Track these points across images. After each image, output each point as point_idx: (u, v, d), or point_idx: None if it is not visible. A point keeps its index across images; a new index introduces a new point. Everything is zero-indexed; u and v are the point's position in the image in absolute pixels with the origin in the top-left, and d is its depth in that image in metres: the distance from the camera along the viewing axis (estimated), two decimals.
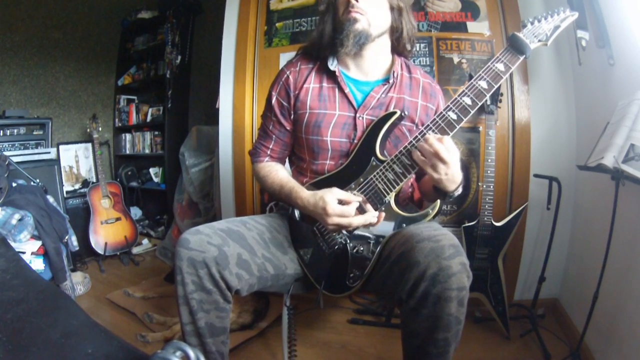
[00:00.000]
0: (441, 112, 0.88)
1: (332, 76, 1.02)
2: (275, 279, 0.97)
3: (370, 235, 0.92)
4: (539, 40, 0.89)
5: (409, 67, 1.07)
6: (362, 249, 0.92)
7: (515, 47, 0.87)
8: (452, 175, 0.84)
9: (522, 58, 0.87)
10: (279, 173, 1.08)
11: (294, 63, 1.08)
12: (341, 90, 1.01)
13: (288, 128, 1.08)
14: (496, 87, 0.87)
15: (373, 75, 1.03)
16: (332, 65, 1.01)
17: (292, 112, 1.06)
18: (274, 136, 1.10)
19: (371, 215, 0.87)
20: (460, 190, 0.90)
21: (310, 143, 1.02)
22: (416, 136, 0.89)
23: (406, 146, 0.89)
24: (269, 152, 1.12)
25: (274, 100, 1.07)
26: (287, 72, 1.06)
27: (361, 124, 1.00)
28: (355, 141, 0.99)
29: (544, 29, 0.89)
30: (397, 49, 1.05)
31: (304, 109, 1.03)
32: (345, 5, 0.94)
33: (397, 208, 0.91)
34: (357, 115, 1.00)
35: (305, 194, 0.95)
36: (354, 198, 0.88)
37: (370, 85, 1.02)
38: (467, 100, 0.86)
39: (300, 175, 1.08)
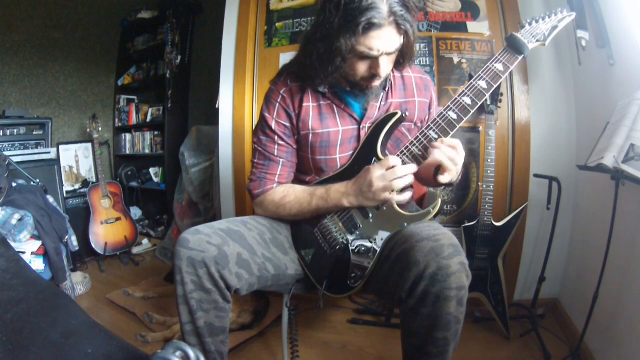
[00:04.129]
0: (441, 112, 0.88)
1: (325, 95, 1.00)
2: (275, 279, 0.97)
3: (371, 235, 0.93)
4: (537, 41, 0.89)
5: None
6: (363, 248, 0.92)
7: (514, 47, 0.88)
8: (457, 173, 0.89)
9: (520, 58, 0.88)
10: (297, 187, 1.02)
11: (284, 82, 1.02)
12: (337, 105, 1.00)
13: (295, 146, 1.04)
14: (495, 86, 0.88)
15: None
16: (322, 88, 0.98)
17: (295, 132, 1.02)
18: (281, 160, 1.03)
19: (412, 167, 0.87)
20: (457, 182, 0.95)
21: (318, 163, 1.02)
22: (417, 136, 0.89)
23: (407, 146, 0.90)
24: (276, 179, 1.03)
25: (274, 125, 1.01)
26: (281, 92, 1.01)
27: (365, 134, 1.00)
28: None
29: (541, 29, 0.89)
30: (397, 66, 0.99)
31: (306, 129, 1.00)
32: (367, 74, 0.89)
33: (399, 207, 0.92)
34: (361, 126, 1.00)
35: (342, 183, 0.94)
36: (394, 158, 0.88)
37: (366, 95, 0.98)
38: (467, 100, 0.87)
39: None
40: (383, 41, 0.82)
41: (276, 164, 1.03)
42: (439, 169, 0.90)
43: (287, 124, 1.01)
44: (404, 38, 0.85)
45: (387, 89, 1.01)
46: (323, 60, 0.88)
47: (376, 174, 0.86)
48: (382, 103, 1.01)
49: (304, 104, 0.99)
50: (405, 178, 0.86)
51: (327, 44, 0.84)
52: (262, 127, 1.04)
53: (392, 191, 0.86)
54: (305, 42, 0.94)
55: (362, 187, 0.89)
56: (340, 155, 1.00)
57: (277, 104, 1.01)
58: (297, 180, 1.09)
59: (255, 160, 1.06)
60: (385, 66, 0.87)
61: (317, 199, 0.96)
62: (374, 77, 0.89)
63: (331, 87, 0.99)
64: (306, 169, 1.07)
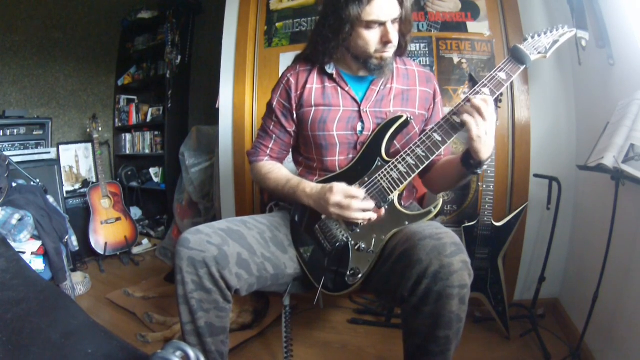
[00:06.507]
0: (445, 116, 0.91)
1: (332, 76, 1.05)
2: (274, 279, 0.98)
3: (372, 234, 0.93)
4: (539, 53, 0.94)
5: (403, 60, 1.11)
6: (363, 246, 0.92)
7: (517, 57, 0.92)
8: (490, 137, 0.86)
9: (522, 68, 0.92)
10: (282, 170, 1.10)
11: (293, 67, 1.11)
12: (342, 87, 1.04)
13: (289, 129, 1.10)
14: (498, 94, 0.90)
15: None
16: (330, 69, 1.05)
17: (294, 112, 1.08)
18: (274, 136, 1.13)
19: (372, 204, 0.90)
20: (490, 160, 0.93)
21: (318, 139, 1.04)
22: (421, 138, 0.92)
23: (411, 147, 0.92)
24: (268, 152, 1.14)
25: (275, 103, 1.11)
26: (288, 75, 1.09)
27: (367, 117, 1.03)
28: (365, 132, 1.02)
29: (543, 43, 0.94)
30: (398, 51, 1.05)
31: (308, 107, 1.05)
32: (381, 44, 0.94)
33: (400, 207, 0.92)
34: (362, 108, 1.03)
35: (312, 184, 0.99)
36: (359, 190, 0.91)
37: (369, 79, 1.05)
38: None
39: (309, 175, 1.10)
40: (386, 7, 0.89)
41: (270, 138, 1.14)
42: (468, 153, 0.91)
43: (286, 104, 1.09)
44: (401, 8, 0.92)
45: (388, 77, 1.04)
46: (333, 30, 0.95)
47: (334, 199, 0.90)
48: (382, 87, 1.04)
49: (308, 85, 1.05)
50: (360, 213, 0.90)
51: (336, 16, 0.92)
52: (268, 103, 1.14)
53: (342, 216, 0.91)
54: (318, 20, 1.03)
55: (321, 201, 0.94)
56: (338, 133, 1.03)
57: (282, 85, 1.10)
58: (305, 166, 1.12)
59: (259, 131, 1.18)
60: (395, 33, 0.93)
61: (289, 187, 1.03)
62: (387, 45, 0.93)
63: (338, 68, 1.05)
64: (310, 153, 1.09)
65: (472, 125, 0.84)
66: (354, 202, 0.89)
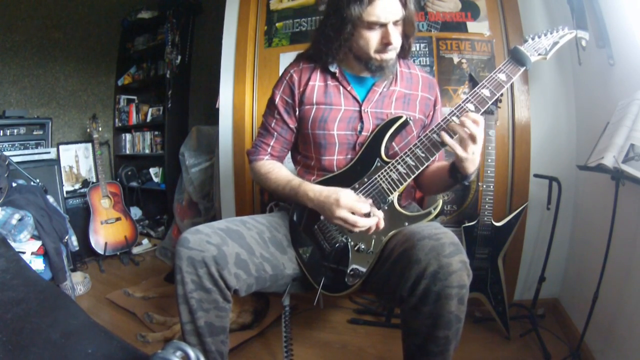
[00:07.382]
0: (445, 117, 0.90)
1: (334, 75, 1.05)
2: (273, 279, 0.98)
3: (372, 234, 0.93)
4: (539, 54, 0.94)
5: (407, 64, 1.11)
6: (363, 247, 0.92)
7: (517, 59, 0.92)
8: (477, 155, 0.87)
9: (522, 69, 0.92)
10: (282, 170, 1.09)
11: (296, 63, 1.10)
12: (344, 87, 1.04)
13: (291, 125, 1.10)
14: (498, 95, 0.90)
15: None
16: (333, 67, 1.04)
17: (296, 109, 1.07)
18: (275, 133, 1.11)
19: (376, 219, 0.88)
20: (475, 173, 0.93)
21: (317, 138, 1.04)
22: (421, 139, 0.92)
23: (411, 148, 0.92)
24: (269, 150, 1.13)
25: (277, 99, 1.09)
26: (291, 71, 1.08)
27: (367, 117, 1.02)
28: (364, 133, 1.02)
29: (543, 44, 0.94)
30: (401, 53, 1.06)
31: (310, 104, 1.04)
32: (382, 45, 0.93)
33: (400, 207, 0.92)
34: (363, 109, 1.02)
35: (317, 186, 0.97)
36: (365, 205, 0.89)
37: (372, 81, 1.04)
38: (470, 107, 0.89)
39: (307, 174, 1.09)
40: (388, 9, 0.89)
41: (271, 136, 1.12)
42: (454, 166, 0.91)
43: (289, 100, 1.08)
44: (404, 10, 0.92)
45: (392, 78, 1.04)
46: (335, 30, 0.95)
47: (340, 214, 0.88)
48: (385, 89, 1.04)
49: (310, 83, 1.05)
50: (367, 220, 0.87)
51: (338, 15, 0.92)
52: (269, 100, 1.13)
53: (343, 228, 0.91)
54: (321, 19, 1.03)
55: (325, 210, 0.92)
56: (338, 132, 1.02)
57: (285, 81, 1.09)
58: (303, 165, 1.12)
59: (259, 129, 1.16)
60: (396, 35, 0.92)
61: (289, 188, 1.02)
62: (387, 47, 0.92)
63: (341, 67, 1.04)
64: (308, 152, 1.08)
65: (460, 152, 0.85)
66: (360, 220, 0.86)
